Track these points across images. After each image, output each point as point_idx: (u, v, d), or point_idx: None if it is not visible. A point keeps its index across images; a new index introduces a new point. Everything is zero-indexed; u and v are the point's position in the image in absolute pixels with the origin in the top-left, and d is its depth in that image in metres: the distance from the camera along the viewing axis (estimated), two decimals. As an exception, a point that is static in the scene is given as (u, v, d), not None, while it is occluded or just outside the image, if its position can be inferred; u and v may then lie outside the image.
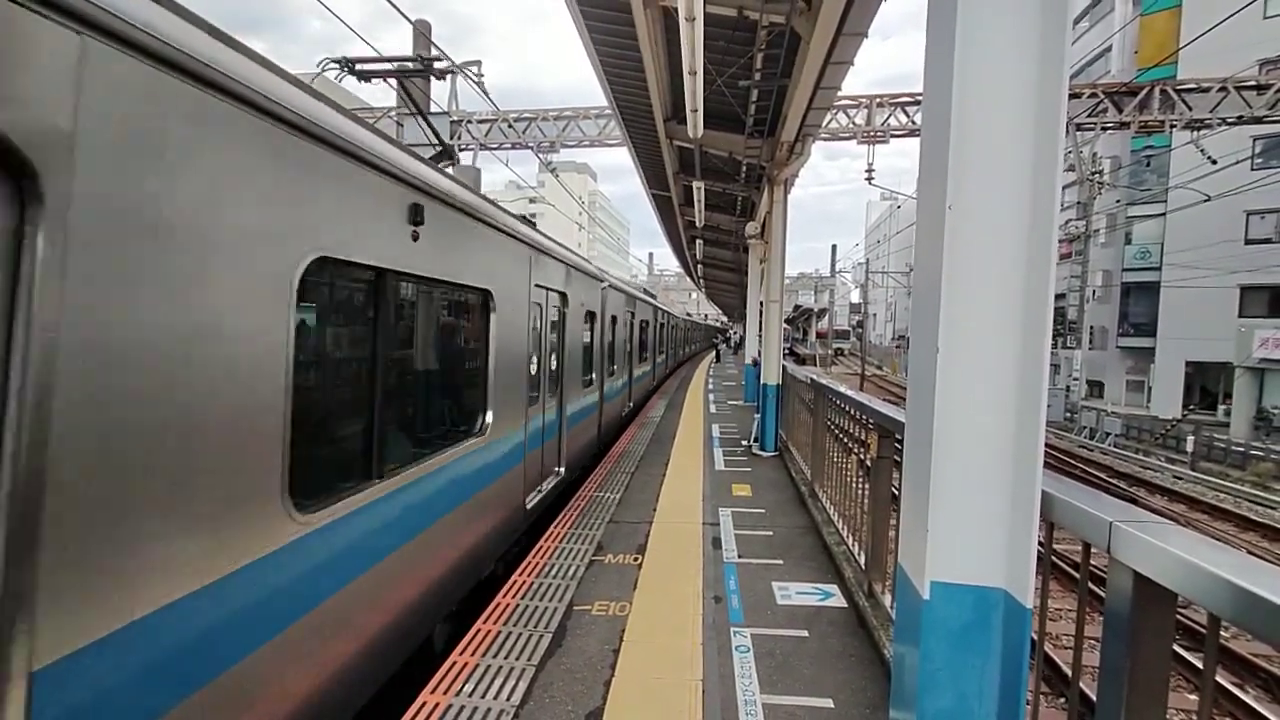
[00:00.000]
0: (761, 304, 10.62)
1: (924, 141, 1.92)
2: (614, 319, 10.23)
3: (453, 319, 4.34)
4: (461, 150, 17.13)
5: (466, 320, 4.49)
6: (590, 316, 7.94)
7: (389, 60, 6.10)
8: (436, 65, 6.73)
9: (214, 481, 1.96)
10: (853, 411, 4.73)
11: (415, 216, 3.27)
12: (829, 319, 53.63)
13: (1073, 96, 14.61)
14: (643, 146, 12.66)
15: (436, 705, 2.95)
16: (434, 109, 16.62)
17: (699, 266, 27.82)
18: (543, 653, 3.44)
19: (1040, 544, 1.85)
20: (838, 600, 4.17)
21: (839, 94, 8.64)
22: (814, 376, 6.96)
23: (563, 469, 6.89)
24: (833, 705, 3.01)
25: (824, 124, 13.66)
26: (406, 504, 3.33)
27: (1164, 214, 25.90)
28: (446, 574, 3.88)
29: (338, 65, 5.59)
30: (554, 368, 6.59)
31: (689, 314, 52.57)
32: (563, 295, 6.67)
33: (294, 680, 2.43)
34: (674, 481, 7.26)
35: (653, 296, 20.64)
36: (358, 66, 5.75)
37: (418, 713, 2.90)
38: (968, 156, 1.69)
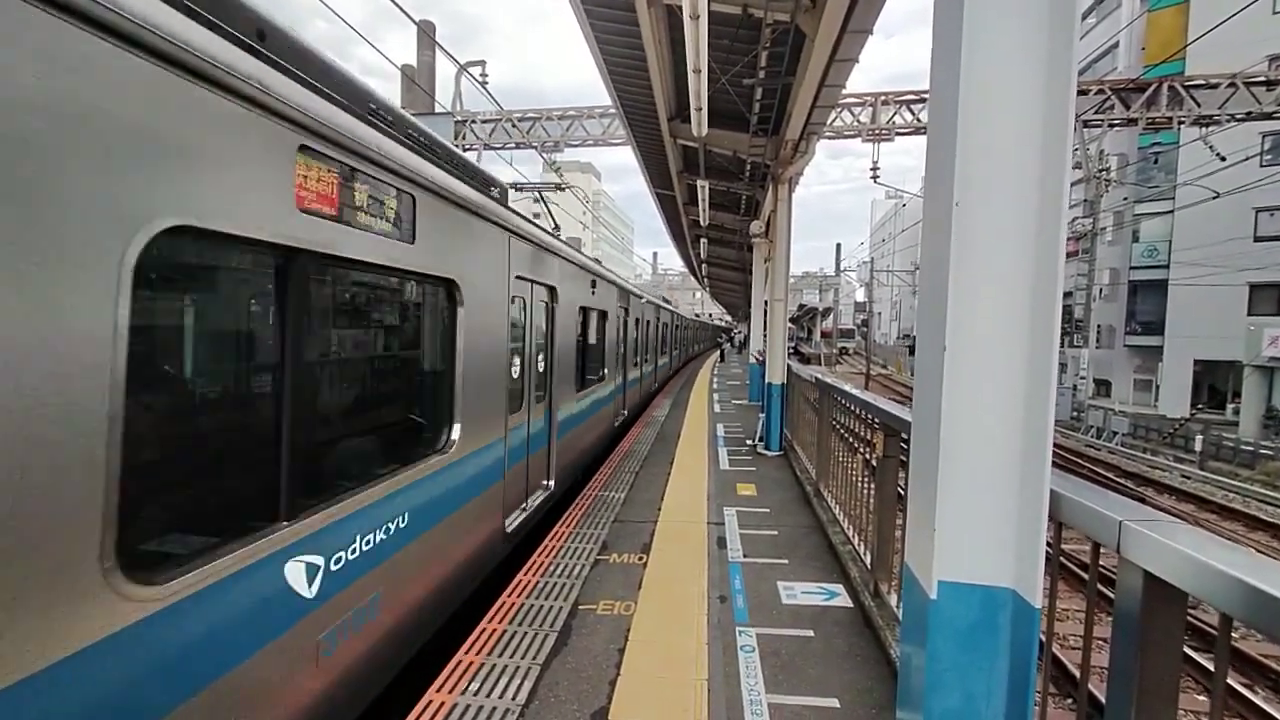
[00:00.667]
0: (766, 303, 10.58)
1: (930, 139, 1.91)
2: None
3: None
4: (465, 150, 17.17)
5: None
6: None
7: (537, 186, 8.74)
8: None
9: None
10: (858, 410, 4.72)
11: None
12: (834, 318, 53.54)
13: (1080, 93, 14.53)
14: (647, 145, 12.65)
15: (442, 704, 2.95)
16: (438, 109, 16.67)
17: (703, 266, 27.80)
18: (548, 652, 3.44)
19: (1049, 543, 1.84)
20: (843, 600, 4.16)
21: (844, 92, 8.62)
22: (819, 375, 6.94)
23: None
24: (838, 705, 3.00)
25: (829, 122, 13.64)
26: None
27: (1172, 211, 25.73)
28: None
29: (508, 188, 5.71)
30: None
31: (697, 314, 52.54)
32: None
33: None
34: (679, 481, 7.25)
35: (665, 300, 20.61)
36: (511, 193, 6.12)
37: (423, 712, 2.90)
38: (974, 154, 1.68)
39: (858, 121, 14.63)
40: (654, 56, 7.41)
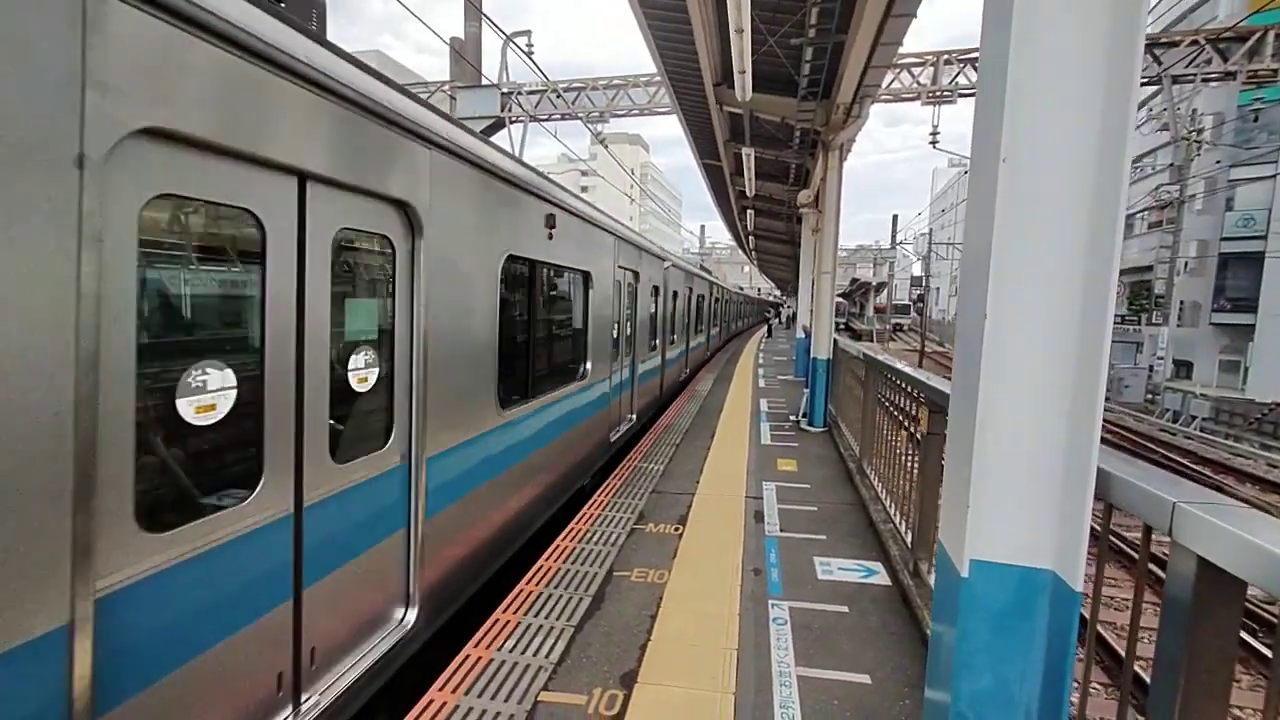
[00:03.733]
0: (814, 276, 10.27)
1: (980, 87, 1.77)
2: (674, 293, 11.30)
3: (568, 294, 6.05)
4: (512, 123, 17.20)
5: (575, 295, 6.08)
6: (655, 291, 9.18)
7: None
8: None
9: None
10: (904, 386, 4.56)
11: (550, 222, 4.89)
12: (888, 293, 51.58)
13: (1169, 45, 13.25)
14: (692, 113, 12.36)
15: (480, 659, 3.08)
16: (484, 81, 16.72)
17: (750, 238, 27.21)
18: (582, 614, 3.52)
19: (1096, 525, 1.74)
20: (881, 578, 4.08)
21: (900, 51, 8.15)
22: (866, 351, 6.72)
23: (634, 416, 8.59)
24: (870, 681, 2.96)
25: (884, 84, 12.96)
26: (545, 417, 5.00)
27: (1274, 176, 23.37)
28: (567, 472, 5.71)
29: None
30: (629, 334, 8.07)
31: (740, 287, 51.60)
32: (635, 274, 7.78)
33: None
34: (719, 454, 7.23)
35: (708, 271, 20.27)
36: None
37: (462, 663, 3.03)
38: (1026, 101, 1.54)
39: (917, 83, 13.83)
40: (698, 17, 7.17)
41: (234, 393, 2.10)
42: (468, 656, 3.10)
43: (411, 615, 3.12)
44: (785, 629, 3.42)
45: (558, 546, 4.45)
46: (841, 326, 50.18)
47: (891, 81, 13.86)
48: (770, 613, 3.59)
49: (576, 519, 5.01)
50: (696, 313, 16.23)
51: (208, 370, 2.02)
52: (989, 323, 1.60)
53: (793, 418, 9.39)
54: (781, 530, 4.89)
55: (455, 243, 3.44)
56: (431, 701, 2.75)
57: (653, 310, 9.91)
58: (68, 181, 1.50)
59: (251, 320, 2.22)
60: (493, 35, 16.69)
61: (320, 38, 2.45)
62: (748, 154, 10.56)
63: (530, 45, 15.93)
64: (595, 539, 4.62)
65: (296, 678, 2.41)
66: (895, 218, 51.13)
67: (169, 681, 1.87)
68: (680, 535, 4.74)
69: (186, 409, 1.95)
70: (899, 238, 51.78)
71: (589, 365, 6.23)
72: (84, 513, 1.57)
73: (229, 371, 2.09)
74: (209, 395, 2.02)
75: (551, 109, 17.13)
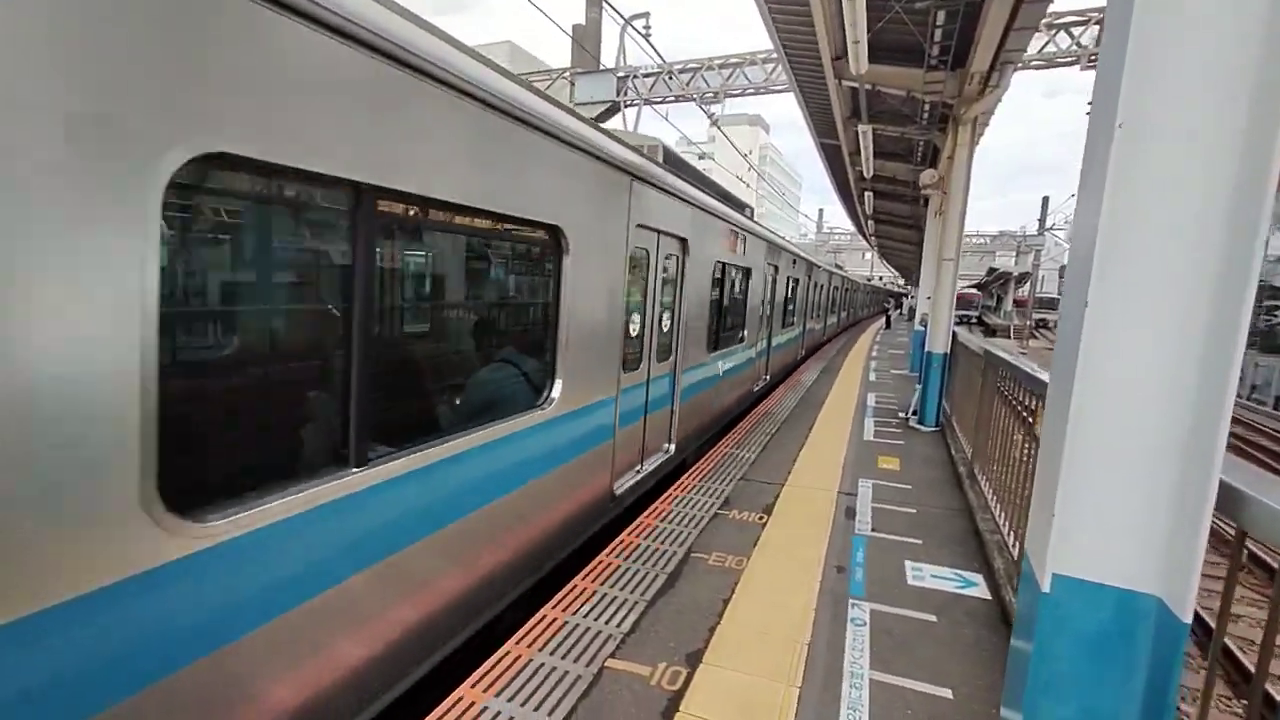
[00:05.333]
0: (935, 263, 9.48)
1: (1103, 45, 1.55)
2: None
3: (738, 284, 7.21)
4: (626, 106, 17.42)
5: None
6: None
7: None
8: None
9: None
10: (1026, 385, 4.12)
11: (732, 236, 6.58)
12: (1031, 284, 46.34)
13: None
14: (809, 90, 11.81)
15: (555, 619, 3.25)
16: (602, 66, 17.05)
17: (870, 223, 25.62)
18: (655, 591, 3.60)
19: (1221, 550, 1.49)
20: (980, 591, 3.76)
21: (1052, 7, 7.23)
22: (986, 347, 6.14)
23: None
24: (951, 696, 2.76)
25: (1035, 48, 11.58)
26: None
27: None
28: (733, 403, 7.56)
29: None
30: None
31: (867, 277, 48.74)
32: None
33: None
34: (814, 447, 6.98)
35: (812, 257, 19.39)
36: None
37: (537, 623, 3.22)
38: (1154, 54, 1.33)
39: (1077, 45, 12.17)
40: (815, -12, 6.81)
41: (640, 323, 5.03)
42: (544, 616, 3.28)
43: (672, 448, 5.99)
44: (863, 630, 3.27)
45: (640, 523, 4.55)
46: (972, 321, 45.95)
47: (1045, 44, 12.32)
48: (849, 612, 3.45)
49: (661, 499, 5.08)
50: (811, 299, 15.95)
51: (634, 315, 4.85)
52: (1090, 311, 1.41)
53: (901, 415, 8.81)
54: (873, 530, 4.64)
55: (699, 256, 6.10)
56: (508, 653, 2.95)
57: (772, 295, 10.18)
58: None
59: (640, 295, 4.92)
60: (613, 20, 16.93)
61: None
62: (864, 131, 9.92)
63: (648, 28, 15.98)
64: (677, 519, 4.67)
65: (613, 477, 4.71)
66: (1045, 200, 45.62)
67: (593, 453, 4.27)
68: (764, 524, 4.66)
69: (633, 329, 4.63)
70: (1049, 222, 46.22)
71: (746, 332, 8.61)
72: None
73: (636, 316, 4.91)
74: (633, 323, 4.87)
75: (666, 91, 17.12)
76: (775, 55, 13.08)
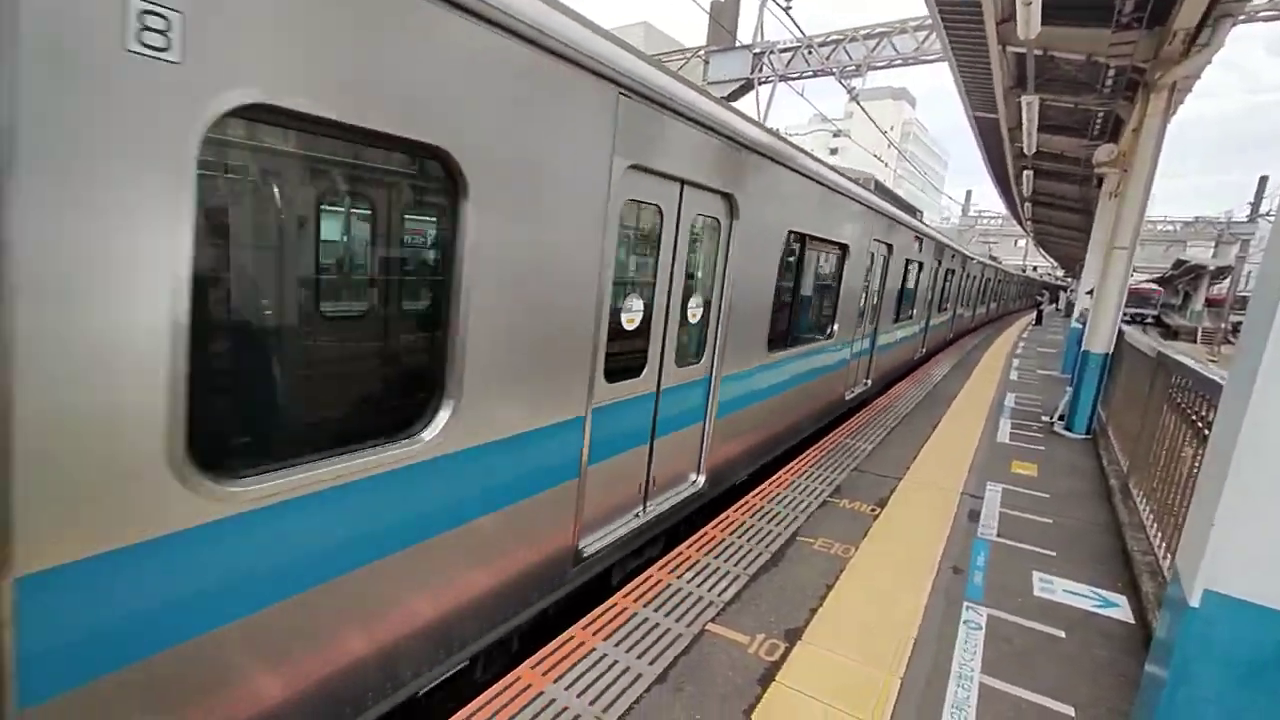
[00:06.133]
0: (1105, 252, 8.35)
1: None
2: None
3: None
4: (761, 84, 16.92)
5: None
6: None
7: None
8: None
9: None
10: (1205, 394, 3.61)
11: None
12: (1232, 280, 39.07)
13: None
14: (967, 58, 10.76)
15: (661, 581, 3.43)
16: (738, 44, 16.69)
17: (1025, 206, 22.95)
18: (758, 567, 3.66)
19: None
20: (1122, 614, 3.41)
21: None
22: (1159, 347, 5.39)
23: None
24: (1074, 715, 2.57)
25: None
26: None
27: None
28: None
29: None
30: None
31: (1023, 267, 43.77)
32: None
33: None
34: (939, 444, 6.57)
35: (951, 243, 17.61)
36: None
37: (644, 581, 3.42)
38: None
39: (1323, -9, 9.96)
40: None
41: (863, 300, 7.71)
42: (649, 577, 3.47)
43: (869, 381, 8.91)
44: (978, 634, 3.11)
45: (746, 502, 4.60)
46: (1148, 320, 39.68)
47: (1277, -8, 10.21)
48: (963, 614, 3.30)
49: (769, 481, 5.08)
50: (940, 289, 14.20)
51: (861, 295, 7.54)
52: None
53: (1045, 419, 7.99)
54: (998, 535, 4.34)
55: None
56: (615, 605, 3.18)
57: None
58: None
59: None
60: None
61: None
62: (1028, 103, 8.92)
63: (789, 4, 15.33)
64: (785, 502, 4.66)
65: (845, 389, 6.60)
66: (1263, 180, 37.99)
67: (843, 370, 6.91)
68: (876, 516, 4.52)
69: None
70: (1264, 207, 38.51)
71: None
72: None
73: (862, 296, 7.52)
74: (861, 300, 7.65)
75: (805, 67, 16.39)
76: (929, 21, 12.04)
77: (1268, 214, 36.60)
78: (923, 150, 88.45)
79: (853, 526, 4.32)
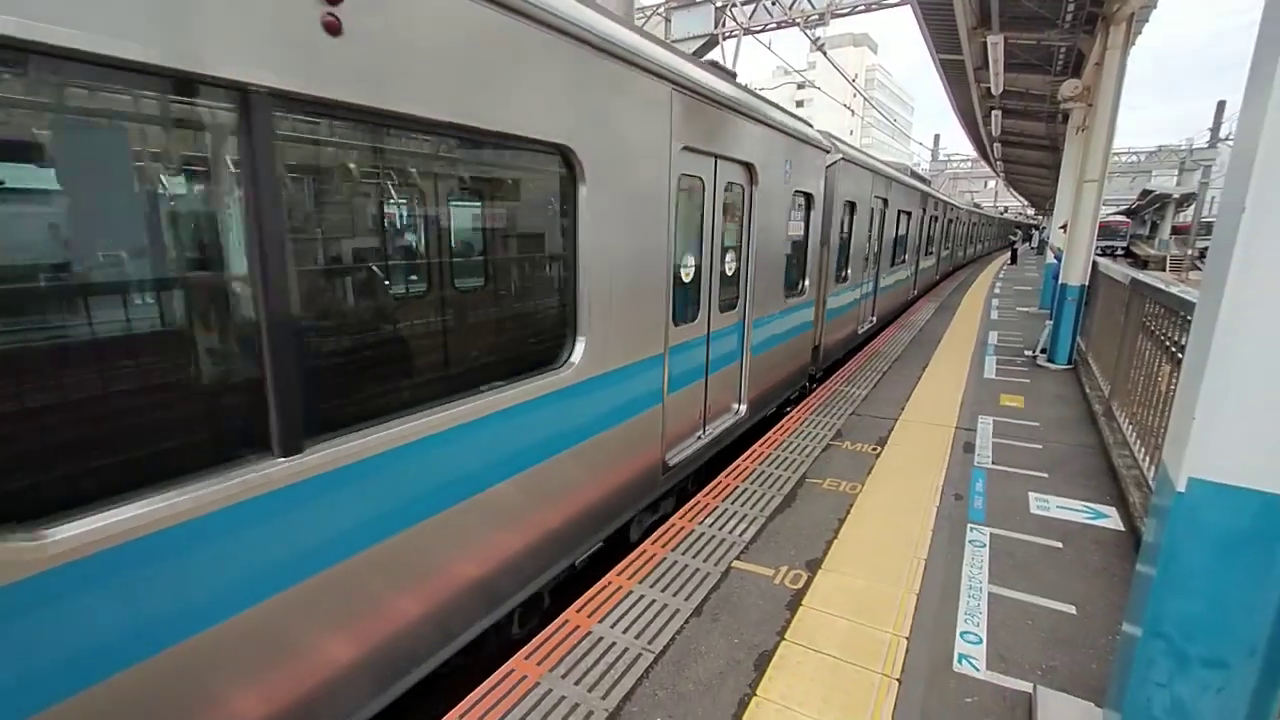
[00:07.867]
0: (1075, 186, 8.56)
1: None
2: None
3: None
4: (726, 39, 16.69)
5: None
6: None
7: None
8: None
9: None
10: (1179, 312, 3.84)
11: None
12: (1196, 207, 39.91)
13: None
14: None
15: (683, 529, 3.63)
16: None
17: (996, 146, 23.14)
18: (774, 509, 3.87)
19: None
20: (1113, 523, 3.69)
21: None
22: (1132, 273, 5.64)
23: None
24: (1074, 612, 2.84)
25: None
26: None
27: None
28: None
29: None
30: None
31: (977, 204, 44.19)
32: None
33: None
34: (930, 384, 6.83)
35: (924, 182, 17.80)
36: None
37: (667, 529, 3.61)
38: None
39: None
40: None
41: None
42: (672, 525, 3.67)
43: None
44: (982, 551, 3.37)
45: (754, 451, 4.81)
46: (1118, 252, 40.52)
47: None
48: (968, 534, 3.54)
49: (774, 429, 5.29)
50: (925, 234, 14.80)
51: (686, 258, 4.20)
52: (1246, 217, 1.42)
53: (1028, 353, 8.30)
54: (994, 463, 4.60)
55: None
56: (644, 551, 3.37)
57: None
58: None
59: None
60: (708, -54, 16.07)
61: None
62: (993, 42, 8.98)
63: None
64: (790, 448, 4.88)
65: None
66: (1221, 105, 38.47)
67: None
68: (877, 455, 4.76)
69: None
70: (1224, 131, 39.13)
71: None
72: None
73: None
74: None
75: (767, 18, 16.19)
76: (891, -36, 11.93)
77: (1227, 138, 37.24)
78: (888, 96, 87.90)
79: (857, 465, 4.55)
